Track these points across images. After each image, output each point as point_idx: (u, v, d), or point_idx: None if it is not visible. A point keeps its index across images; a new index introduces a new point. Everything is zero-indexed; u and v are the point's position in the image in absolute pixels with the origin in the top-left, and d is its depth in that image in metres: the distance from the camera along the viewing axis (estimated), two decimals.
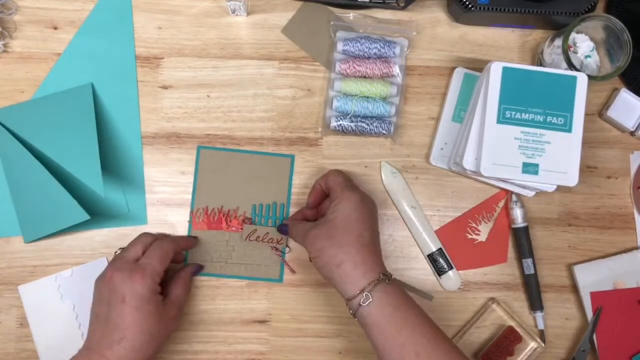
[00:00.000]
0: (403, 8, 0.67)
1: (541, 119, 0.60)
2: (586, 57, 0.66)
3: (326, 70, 0.67)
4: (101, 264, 0.64)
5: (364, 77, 0.66)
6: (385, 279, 0.55)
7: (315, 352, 0.65)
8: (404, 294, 0.56)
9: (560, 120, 0.60)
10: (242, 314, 0.65)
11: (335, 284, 0.56)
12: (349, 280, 0.55)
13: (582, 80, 0.60)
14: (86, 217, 0.61)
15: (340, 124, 0.65)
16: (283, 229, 0.64)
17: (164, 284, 0.59)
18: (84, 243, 0.65)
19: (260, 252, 0.65)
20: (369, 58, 0.66)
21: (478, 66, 0.67)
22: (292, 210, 0.66)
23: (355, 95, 0.65)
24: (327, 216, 0.58)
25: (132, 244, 0.59)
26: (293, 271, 0.66)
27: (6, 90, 0.65)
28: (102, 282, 0.56)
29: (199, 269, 0.65)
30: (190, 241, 0.65)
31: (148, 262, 0.57)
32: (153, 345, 0.55)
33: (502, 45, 0.69)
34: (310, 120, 0.67)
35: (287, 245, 0.66)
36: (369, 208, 0.59)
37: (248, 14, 0.67)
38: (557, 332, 0.67)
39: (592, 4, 0.64)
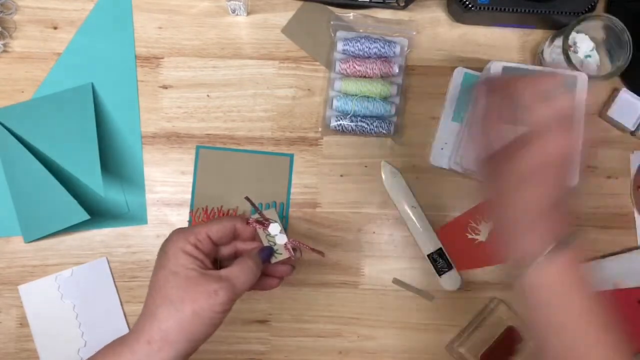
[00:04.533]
0: (403, 8, 0.67)
1: None
2: (586, 57, 0.66)
3: (326, 70, 0.67)
4: (101, 264, 0.64)
5: (364, 76, 0.66)
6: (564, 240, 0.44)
7: (315, 352, 0.65)
8: (576, 268, 0.45)
9: None
10: (242, 314, 0.65)
11: (505, 229, 0.47)
12: (531, 230, 0.45)
13: (582, 80, 0.60)
14: (86, 217, 0.61)
15: (341, 124, 0.65)
16: (264, 255, 0.53)
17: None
18: (84, 243, 0.65)
19: None
20: (369, 58, 0.66)
21: (478, 66, 0.67)
22: (292, 210, 0.66)
23: (356, 95, 0.65)
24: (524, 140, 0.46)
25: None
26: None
27: (6, 90, 0.65)
28: None
29: (269, 252, 0.54)
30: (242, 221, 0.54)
31: (193, 225, 0.52)
32: (173, 315, 0.46)
33: (502, 45, 0.69)
34: (310, 120, 0.67)
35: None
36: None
37: (248, 14, 0.67)
38: None
39: (593, 4, 0.64)
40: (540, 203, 0.45)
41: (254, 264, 0.51)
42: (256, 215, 0.54)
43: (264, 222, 0.54)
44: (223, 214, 0.65)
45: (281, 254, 0.54)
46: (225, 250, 0.54)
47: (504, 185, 0.46)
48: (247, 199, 0.56)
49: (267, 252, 0.54)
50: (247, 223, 0.54)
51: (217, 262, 0.54)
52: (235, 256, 0.55)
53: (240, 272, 0.50)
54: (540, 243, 0.44)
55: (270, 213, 0.55)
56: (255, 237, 0.55)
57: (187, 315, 0.47)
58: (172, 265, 0.48)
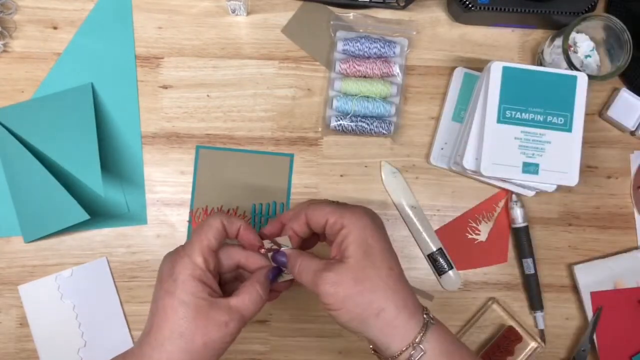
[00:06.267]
0: (403, 8, 0.67)
1: (541, 119, 0.60)
2: (586, 56, 0.66)
3: (326, 70, 0.67)
4: (101, 264, 0.64)
5: (364, 76, 0.66)
6: (429, 318, 0.47)
7: (315, 352, 0.65)
8: (451, 334, 0.48)
9: (561, 120, 0.60)
10: None
11: (373, 337, 0.46)
12: (393, 331, 0.45)
13: (582, 80, 0.60)
14: (86, 217, 0.61)
15: (340, 124, 0.65)
16: (280, 259, 0.52)
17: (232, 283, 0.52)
18: (84, 243, 0.65)
19: None
20: (369, 58, 0.66)
21: (478, 66, 0.67)
22: None
23: (355, 95, 0.65)
24: (338, 254, 0.48)
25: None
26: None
27: (6, 90, 0.65)
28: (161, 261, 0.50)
29: (277, 273, 0.52)
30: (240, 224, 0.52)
31: (188, 241, 0.49)
32: (183, 348, 0.45)
33: (502, 45, 0.69)
34: (310, 120, 0.67)
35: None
36: (380, 223, 0.50)
37: (248, 13, 0.67)
38: (557, 332, 0.67)
39: (593, 4, 0.64)
40: (388, 298, 0.46)
41: (263, 290, 0.49)
42: (268, 242, 0.52)
43: (277, 249, 0.52)
44: None
45: (288, 274, 0.53)
46: (226, 265, 0.52)
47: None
48: (272, 242, 0.54)
49: (275, 273, 0.52)
50: (259, 250, 0.52)
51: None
52: (236, 269, 0.53)
53: (250, 302, 0.48)
54: (408, 336, 0.46)
55: (283, 240, 0.53)
56: (253, 242, 0.52)
57: (197, 347, 0.46)
58: (180, 293, 0.46)
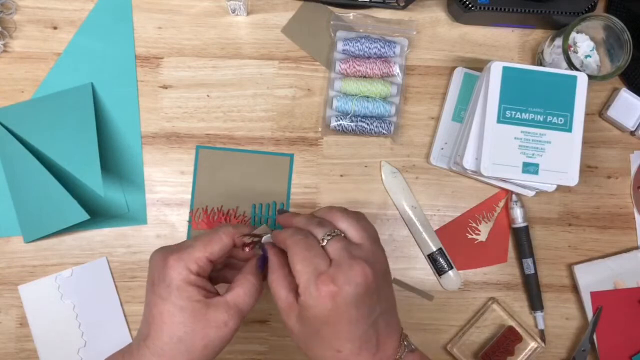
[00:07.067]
0: (403, 8, 0.67)
1: (541, 119, 0.60)
2: (586, 56, 0.66)
3: (326, 70, 0.67)
4: (101, 264, 0.64)
5: (364, 76, 0.66)
6: None
7: None
8: None
9: (561, 120, 0.60)
10: None
11: None
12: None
13: (582, 80, 0.60)
14: (86, 217, 0.61)
15: (340, 124, 0.65)
16: (260, 264, 0.51)
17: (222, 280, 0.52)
18: (84, 243, 0.65)
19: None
20: (369, 58, 0.66)
21: (478, 66, 0.67)
22: (292, 210, 0.66)
23: (355, 95, 0.65)
24: (300, 303, 0.46)
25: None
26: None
27: (6, 90, 0.65)
28: (150, 258, 0.49)
29: (264, 260, 0.51)
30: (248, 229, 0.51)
31: (188, 244, 0.48)
32: (183, 351, 0.45)
33: (502, 45, 0.69)
34: (310, 120, 0.67)
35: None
36: (363, 294, 0.44)
37: (248, 13, 0.67)
38: (557, 332, 0.67)
39: (593, 4, 0.64)
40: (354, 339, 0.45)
41: (256, 280, 0.49)
42: (246, 238, 0.51)
43: (259, 240, 0.52)
44: (223, 214, 0.65)
45: None
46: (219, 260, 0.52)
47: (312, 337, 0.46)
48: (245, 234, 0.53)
49: (263, 261, 0.51)
50: (244, 247, 0.51)
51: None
52: (226, 262, 0.53)
53: (245, 295, 0.48)
54: None
55: (262, 229, 0.52)
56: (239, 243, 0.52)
57: (198, 350, 0.46)
58: (175, 299, 0.46)
